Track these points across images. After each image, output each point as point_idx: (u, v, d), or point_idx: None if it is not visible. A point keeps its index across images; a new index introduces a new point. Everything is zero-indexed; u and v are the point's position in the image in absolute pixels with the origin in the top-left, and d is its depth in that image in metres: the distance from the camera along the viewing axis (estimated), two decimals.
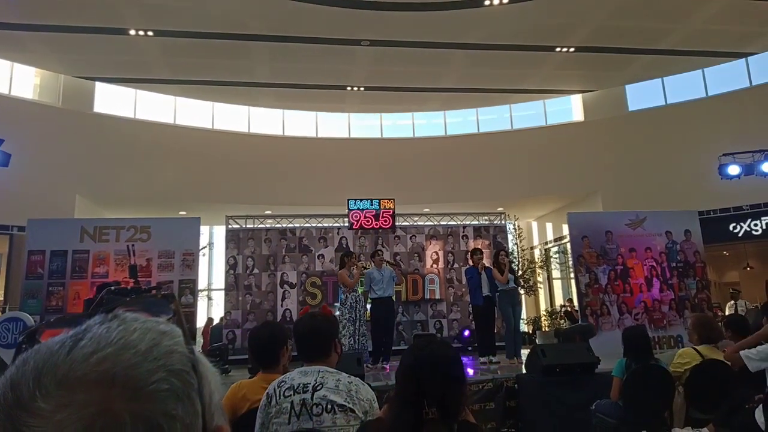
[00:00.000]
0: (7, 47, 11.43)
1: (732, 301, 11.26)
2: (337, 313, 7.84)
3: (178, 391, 0.47)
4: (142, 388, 0.45)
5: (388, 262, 8.29)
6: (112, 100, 13.57)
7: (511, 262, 8.26)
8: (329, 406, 2.16)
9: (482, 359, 7.59)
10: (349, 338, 7.37)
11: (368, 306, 7.85)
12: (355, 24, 10.77)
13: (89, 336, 0.48)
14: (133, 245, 6.30)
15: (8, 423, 0.43)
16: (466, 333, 9.86)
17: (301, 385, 2.22)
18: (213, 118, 14.68)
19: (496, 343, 7.98)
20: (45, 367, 0.45)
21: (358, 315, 7.50)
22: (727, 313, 10.22)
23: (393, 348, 7.91)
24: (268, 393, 2.26)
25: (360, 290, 7.84)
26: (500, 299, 7.71)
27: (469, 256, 8.70)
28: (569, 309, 13.41)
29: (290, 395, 2.20)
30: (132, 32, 10.77)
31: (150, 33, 10.85)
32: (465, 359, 7.90)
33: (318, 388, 2.20)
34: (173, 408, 0.46)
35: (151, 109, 14.02)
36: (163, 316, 0.52)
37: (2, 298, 11.16)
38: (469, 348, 9.39)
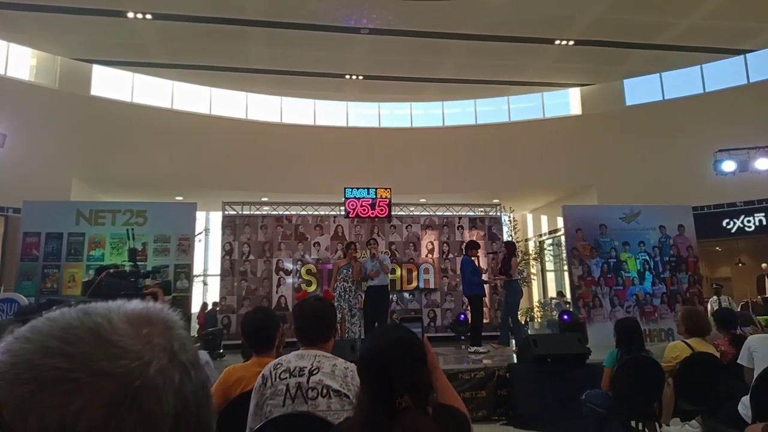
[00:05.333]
0: (3, 27, 11.29)
1: (715, 297, 10.87)
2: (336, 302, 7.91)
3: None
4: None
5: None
6: (110, 83, 13.48)
7: (505, 255, 8.29)
8: (324, 391, 2.15)
9: (471, 349, 7.67)
10: (359, 327, 7.48)
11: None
12: (354, 11, 10.71)
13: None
14: (132, 229, 6.32)
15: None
16: (463, 318, 9.90)
17: (297, 368, 2.21)
18: (210, 103, 14.61)
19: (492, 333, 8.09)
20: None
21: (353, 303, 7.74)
22: (709, 308, 10.01)
23: None
24: (263, 375, 2.26)
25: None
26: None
27: (464, 248, 8.63)
28: (560, 301, 13.52)
29: (286, 378, 2.20)
30: (130, 15, 10.67)
31: (148, 16, 10.76)
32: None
33: (314, 372, 2.19)
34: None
35: (148, 94, 13.93)
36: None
37: None
38: (462, 338, 9.42)
